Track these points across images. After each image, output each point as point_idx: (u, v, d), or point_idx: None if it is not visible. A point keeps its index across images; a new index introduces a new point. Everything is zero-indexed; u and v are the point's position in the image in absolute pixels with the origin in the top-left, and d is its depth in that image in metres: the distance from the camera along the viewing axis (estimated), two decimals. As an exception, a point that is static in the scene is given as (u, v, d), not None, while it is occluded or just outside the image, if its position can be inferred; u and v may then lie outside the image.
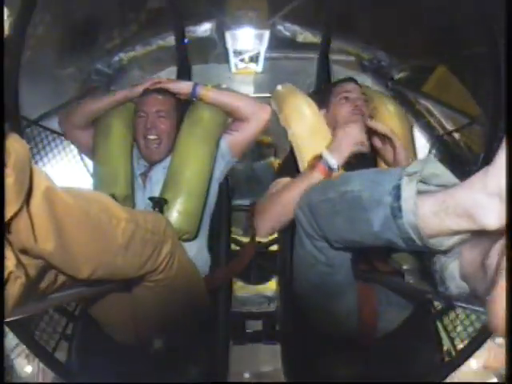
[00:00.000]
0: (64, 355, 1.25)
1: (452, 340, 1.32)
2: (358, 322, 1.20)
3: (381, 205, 0.80)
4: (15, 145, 0.55)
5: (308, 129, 1.32)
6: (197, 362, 1.21)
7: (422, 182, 0.78)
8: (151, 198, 1.25)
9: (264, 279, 2.01)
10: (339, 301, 1.16)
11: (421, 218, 0.73)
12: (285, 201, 1.17)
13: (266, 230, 1.26)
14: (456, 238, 0.75)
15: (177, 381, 1.16)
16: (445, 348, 1.29)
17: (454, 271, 0.77)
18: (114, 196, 1.27)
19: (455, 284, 0.77)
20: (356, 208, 0.87)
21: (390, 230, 0.79)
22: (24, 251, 0.64)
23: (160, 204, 1.24)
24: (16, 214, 0.58)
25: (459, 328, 1.37)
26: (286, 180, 1.29)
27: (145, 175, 1.37)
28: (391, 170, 0.88)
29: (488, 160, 1.41)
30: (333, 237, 0.99)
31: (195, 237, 1.32)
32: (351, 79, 1.44)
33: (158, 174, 1.34)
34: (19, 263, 0.62)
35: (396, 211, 0.77)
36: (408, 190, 0.76)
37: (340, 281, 1.13)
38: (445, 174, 0.79)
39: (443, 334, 1.33)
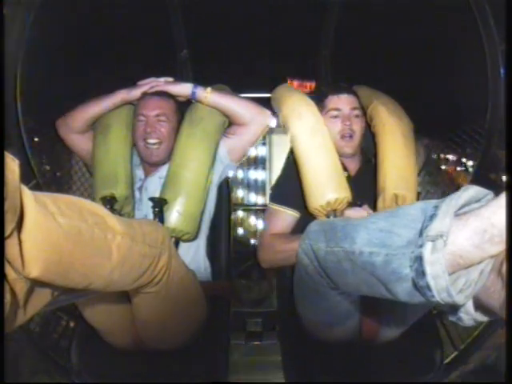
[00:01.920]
0: (64, 355, 1.26)
1: (452, 340, 1.32)
2: (360, 332, 1.20)
3: (402, 279, 0.67)
4: (9, 164, 0.52)
5: (307, 129, 1.31)
6: (197, 362, 1.21)
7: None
8: (151, 199, 1.26)
9: (265, 278, 2.01)
10: (342, 324, 1.16)
11: (457, 252, 0.62)
12: (287, 254, 1.22)
13: (269, 266, 1.36)
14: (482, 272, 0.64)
15: (177, 381, 1.16)
16: (445, 348, 1.29)
17: (467, 306, 0.67)
18: (114, 196, 1.28)
19: (470, 317, 0.68)
20: (370, 275, 0.74)
21: (420, 300, 0.67)
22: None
23: (160, 204, 1.24)
24: (8, 236, 0.55)
25: (460, 328, 1.37)
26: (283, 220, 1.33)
27: (141, 188, 1.37)
28: (405, 211, 0.71)
29: (484, 161, 1.41)
30: (348, 290, 0.91)
31: (195, 238, 1.33)
32: (345, 89, 1.39)
33: (155, 184, 1.34)
34: (5, 280, 0.59)
35: (424, 290, 0.64)
36: (434, 264, 0.62)
37: (344, 311, 1.11)
38: (475, 195, 0.66)
39: (443, 334, 1.33)
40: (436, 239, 0.62)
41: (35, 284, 0.65)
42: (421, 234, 0.65)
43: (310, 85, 2.14)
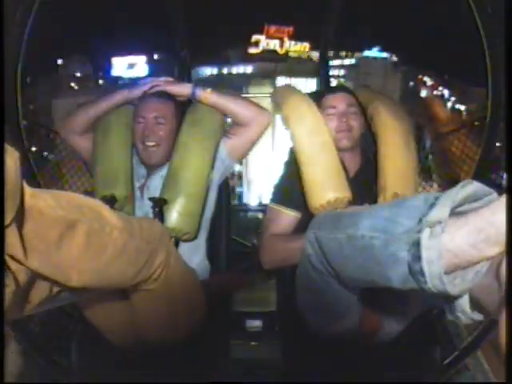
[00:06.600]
0: (64, 355, 1.25)
1: (452, 340, 1.32)
2: (360, 330, 1.20)
3: (398, 262, 0.68)
4: (7, 159, 0.54)
5: (308, 129, 1.31)
6: (197, 362, 1.21)
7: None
8: (151, 199, 1.26)
9: (265, 280, 2.01)
10: (343, 317, 1.16)
11: (454, 250, 0.63)
12: (288, 254, 1.22)
13: (270, 267, 1.34)
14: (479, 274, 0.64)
15: (177, 381, 1.16)
16: (444, 348, 1.29)
17: (464, 306, 0.68)
18: (114, 196, 1.28)
19: (466, 316, 0.69)
20: (369, 259, 0.76)
21: (413, 286, 0.68)
22: (13, 258, 0.63)
23: (160, 204, 1.24)
24: (8, 225, 0.57)
25: (459, 328, 1.37)
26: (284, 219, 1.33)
27: (142, 186, 1.36)
28: (409, 203, 0.72)
29: (485, 160, 1.40)
30: (346, 279, 0.91)
31: (195, 238, 1.32)
32: (341, 88, 1.42)
33: (156, 182, 1.33)
34: (8, 270, 0.60)
35: (418, 275, 0.65)
36: (430, 250, 0.63)
37: (345, 304, 1.11)
38: (476, 191, 0.67)
39: (443, 334, 1.33)
40: (434, 226, 0.64)
41: (35, 276, 0.67)
42: (420, 221, 0.67)
43: (288, 30, 2.13)
